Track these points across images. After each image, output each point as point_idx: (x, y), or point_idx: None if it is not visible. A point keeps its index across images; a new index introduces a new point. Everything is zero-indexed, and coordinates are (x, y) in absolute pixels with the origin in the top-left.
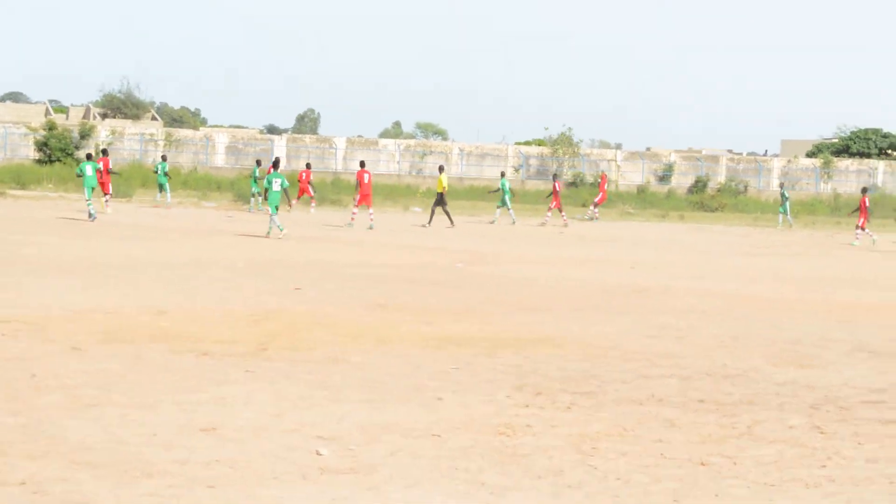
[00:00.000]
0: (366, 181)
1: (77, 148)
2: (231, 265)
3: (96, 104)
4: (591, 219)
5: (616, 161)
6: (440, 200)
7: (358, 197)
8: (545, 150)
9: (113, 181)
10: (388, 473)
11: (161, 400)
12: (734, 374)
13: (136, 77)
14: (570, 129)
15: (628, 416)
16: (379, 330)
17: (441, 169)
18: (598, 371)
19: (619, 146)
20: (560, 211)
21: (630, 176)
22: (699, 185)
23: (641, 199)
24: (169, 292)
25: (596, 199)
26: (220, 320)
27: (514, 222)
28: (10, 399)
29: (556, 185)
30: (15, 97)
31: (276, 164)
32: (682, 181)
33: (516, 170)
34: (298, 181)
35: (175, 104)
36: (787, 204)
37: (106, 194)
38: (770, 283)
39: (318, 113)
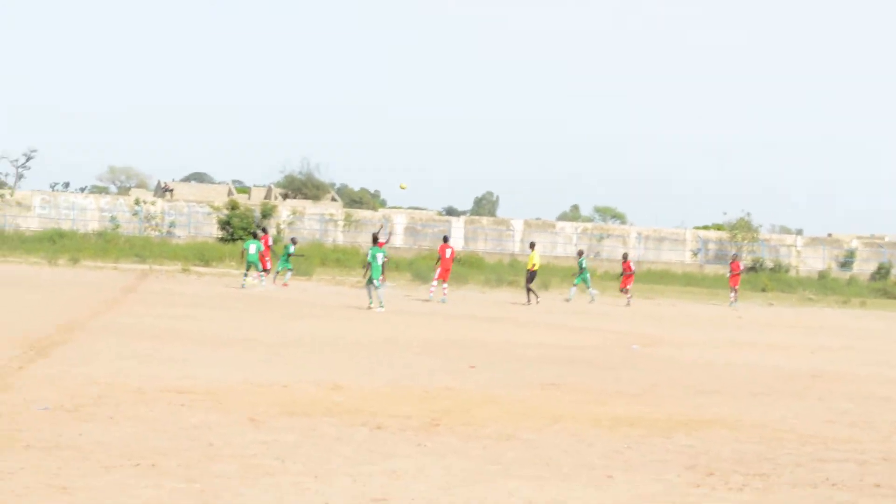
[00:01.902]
0: (447, 256)
1: (259, 227)
2: (407, 344)
3: (277, 185)
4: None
5: (796, 246)
6: (531, 278)
7: (439, 271)
8: (724, 234)
9: (294, 261)
10: None
11: (334, 471)
12: None
13: (316, 158)
14: (749, 213)
15: (802, 498)
16: (551, 409)
17: (532, 246)
18: (773, 454)
19: (799, 231)
20: (625, 291)
21: (811, 262)
22: (882, 272)
23: (822, 285)
24: (345, 369)
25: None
26: (393, 396)
27: (592, 300)
28: (187, 466)
29: (736, 265)
30: (199, 177)
31: (375, 240)
32: (863, 267)
33: (695, 254)
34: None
35: (355, 185)
36: None
37: (265, 270)
38: None
39: (497, 196)
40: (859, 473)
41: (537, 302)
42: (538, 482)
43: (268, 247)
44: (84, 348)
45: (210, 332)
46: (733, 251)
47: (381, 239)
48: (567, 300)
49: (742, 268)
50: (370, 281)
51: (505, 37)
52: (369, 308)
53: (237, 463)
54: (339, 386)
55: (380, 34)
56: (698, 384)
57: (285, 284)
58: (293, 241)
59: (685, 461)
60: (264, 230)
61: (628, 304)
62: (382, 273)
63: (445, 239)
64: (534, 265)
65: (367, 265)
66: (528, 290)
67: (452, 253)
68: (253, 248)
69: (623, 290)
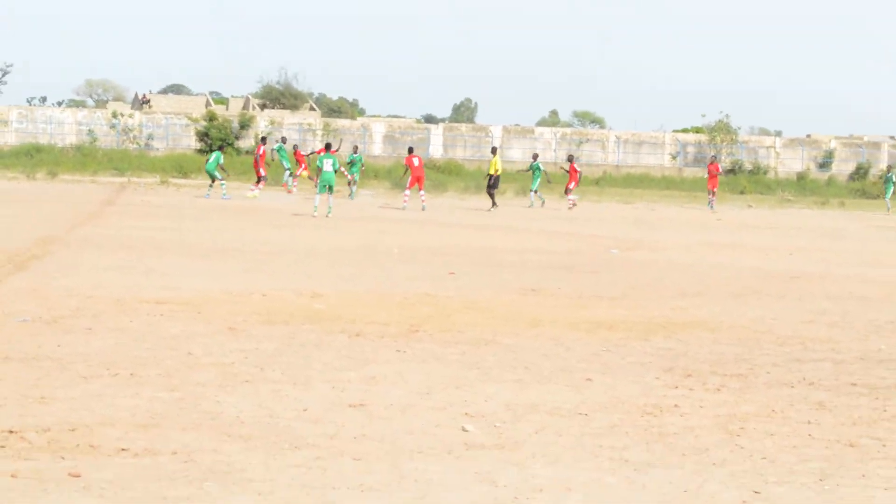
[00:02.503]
0: (416, 164)
1: (237, 138)
2: (386, 251)
3: (255, 95)
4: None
5: (775, 148)
6: (493, 183)
7: (409, 180)
8: (703, 137)
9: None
10: (532, 450)
11: (313, 377)
12: (889, 358)
13: (294, 68)
14: (727, 116)
15: (778, 398)
16: (530, 314)
17: (494, 151)
18: (751, 355)
19: (778, 133)
20: (568, 192)
21: (789, 163)
22: (860, 173)
23: (801, 186)
24: (324, 277)
25: (569, 185)
26: (373, 303)
27: (533, 204)
28: (166, 375)
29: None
30: (176, 89)
31: (328, 147)
32: (842, 168)
33: (674, 157)
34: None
35: (333, 94)
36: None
37: (259, 179)
38: None
39: (475, 102)
40: (836, 372)
41: (495, 208)
42: (518, 386)
43: (262, 156)
44: (63, 261)
45: (189, 243)
46: (712, 154)
47: (333, 147)
48: (529, 207)
49: (720, 170)
50: (324, 188)
51: None
52: (313, 216)
53: (216, 371)
54: (318, 294)
55: None
56: (677, 287)
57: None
58: (355, 150)
59: (663, 363)
60: (263, 140)
61: (571, 207)
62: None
63: (410, 150)
64: (496, 170)
65: (318, 170)
66: (491, 195)
67: (420, 161)
68: (212, 158)
69: (567, 191)
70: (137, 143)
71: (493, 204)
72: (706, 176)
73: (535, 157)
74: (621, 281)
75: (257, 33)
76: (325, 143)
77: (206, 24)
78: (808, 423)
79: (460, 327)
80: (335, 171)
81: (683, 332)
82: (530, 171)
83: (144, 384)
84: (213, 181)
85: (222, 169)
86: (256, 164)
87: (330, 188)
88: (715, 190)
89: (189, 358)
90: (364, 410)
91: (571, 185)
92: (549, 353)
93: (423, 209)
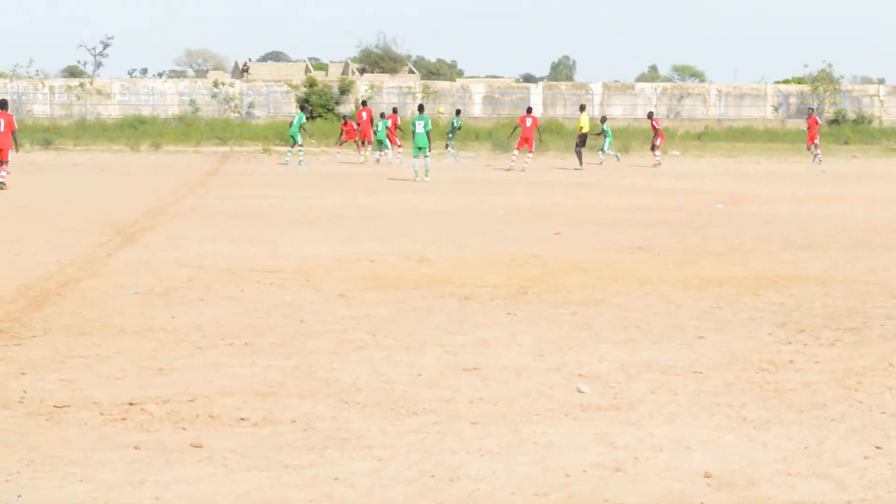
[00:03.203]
0: (528, 125)
1: (337, 103)
2: (491, 213)
3: (354, 60)
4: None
5: (879, 96)
6: (581, 141)
7: (518, 140)
8: (805, 87)
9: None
10: (648, 409)
11: (426, 342)
12: None
13: (392, 31)
14: (830, 65)
15: (895, 351)
16: (639, 272)
17: (582, 108)
18: (864, 307)
19: (882, 81)
20: (654, 150)
21: (894, 111)
22: None
23: None
24: (430, 241)
25: (655, 143)
26: (480, 266)
27: (603, 162)
28: (280, 344)
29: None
30: (276, 56)
31: (420, 108)
32: None
33: (776, 109)
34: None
35: (431, 57)
36: None
37: (368, 142)
38: None
39: (574, 60)
40: None
41: (580, 168)
42: (630, 345)
43: (371, 122)
44: (171, 232)
45: (293, 211)
46: (815, 104)
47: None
48: (601, 163)
49: (819, 122)
50: (418, 151)
51: None
52: (414, 180)
53: (330, 338)
54: (425, 258)
55: None
56: (785, 240)
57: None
58: (458, 112)
59: (776, 319)
60: (364, 103)
61: (656, 164)
62: (429, 141)
63: (529, 110)
64: (582, 128)
65: (411, 133)
66: (579, 153)
67: (534, 122)
68: (295, 120)
69: (653, 148)
70: (239, 112)
71: (580, 163)
72: (806, 130)
73: (604, 119)
74: (728, 236)
75: None
76: (417, 105)
77: None
78: None
79: (569, 288)
80: (426, 133)
81: (794, 286)
82: (602, 134)
83: (259, 353)
84: (294, 145)
85: (304, 131)
86: (360, 129)
87: (423, 150)
88: (816, 142)
89: (301, 326)
90: (478, 374)
91: (658, 142)
92: (659, 312)
93: (523, 170)
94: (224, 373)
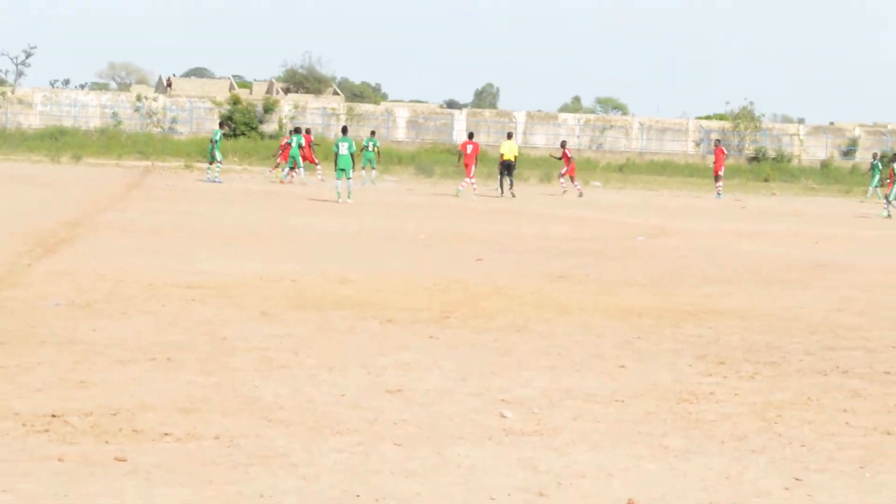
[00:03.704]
0: (468, 151)
1: (261, 122)
2: (412, 237)
3: (279, 79)
4: (564, 192)
5: (799, 135)
6: (506, 169)
7: (463, 167)
8: (726, 124)
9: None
10: (571, 436)
11: (348, 363)
12: None
13: (318, 52)
14: (751, 102)
15: (813, 386)
16: (560, 300)
17: (509, 136)
18: (782, 342)
19: (801, 120)
20: (572, 180)
21: (813, 151)
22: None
23: (825, 174)
24: (353, 262)
25: (562, 171)
26: (403, 289)
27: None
28: (203, 360)
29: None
30: (199, 72)
31: (344, 131)
32: (867, 156)
33: (697, 144)
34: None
35: (356, 79)
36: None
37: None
38: None
39: (497, 87)
40: (869, 361)
41: (502, 194)
42: (552, 372)
43: (310, 144)
44: (92, 244)
45: (215, 228)
46: (735, 141)
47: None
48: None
49: (726, 154)
50: (341, 172)
51: None
52: (336, 202)
53: (252, 356)
54: (347, 279)
55: None
56: (705, 274)
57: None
58: (372, 134)
59: (696, 350)
60: (307, 131)
61: (564, 192)
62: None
63: (471, 136)
64: (503, 155)
65: (334, 155)
66: (501, 181)
67: (474, 148)
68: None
69: (560, 176)
70: (161, 127)
71: (499, 190)
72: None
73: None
74: (649, 268)
75: (280, 16)
76: (341, 126)
77: (229, 7)
78: (844, 412)
79: (491, 313)
80: (351, 155)
81: (714, 319)
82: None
83: (182, 369)
84: (212, 162)
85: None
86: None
87: (346, 172)
88: (720, 174)
89: (224, 343)
90: (402, 396)
91: (564, 171)
92: (581, 340)
93: (457, 194)
94: (146, 387)
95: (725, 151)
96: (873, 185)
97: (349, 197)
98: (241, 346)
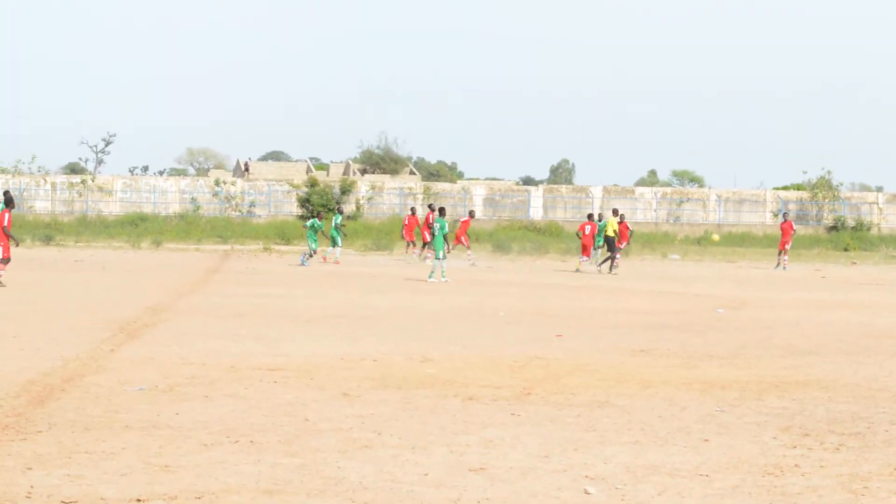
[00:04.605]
0: (587, 232)
1: (338, 203)
2: (492, 314)
3: (355, 160)
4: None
5: (878, 203)
6: (610, 244)
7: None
8: (804, 194)
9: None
10: None
11: (431, 442)
12: None
13: (393, 133)
14: (829, 171)
15: None
16: (642, 374)
17: (614, 212)
18: (867, 413)
19: (880, 188)
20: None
21: (892, 219)
22: None
23: None
24: (433, 340)
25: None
26: (483, 366)
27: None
28: (286, 442)
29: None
30: (277, 156)
31: (441, 212)
32: None
33: (775, 214)
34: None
35: (432, 158)
36: None
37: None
38: None
39: (573, 163)
40: None
41: (602, 270)
42: (635, 447)
43: (427, 224)
44: (174, 329)
45: (295, 310)
46: (814, 211)
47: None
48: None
49: (794, 229)
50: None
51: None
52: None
53: (335, 437)
54: (428, 358)
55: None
56: (787, 345)
57: (337, 262)
58: (339, 211)
59: (780, 423)
60: (412, 210)
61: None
62: (445, 243)
63: (590, 217)
64: (611, 233)
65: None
66: (609, 257)
67: (593, 228)
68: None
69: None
70: (240, 211)
71: (605, 266)
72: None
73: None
74: (730, 340)
75: (356, 97)
76: (434, 206)
77: (305, 90)
78: None
79: (572, 389)
80: (443, 236)
81: (797, 390)
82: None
83: (265, 451)
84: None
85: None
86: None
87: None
88: (787, 248)
89: (306, 424)
90: (485, 474)
91: (623, 244)
92: (663, 414)
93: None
94: (230, 470)
95: (794, 227)
96: None
97: (443, 276)
98: (323, 426)
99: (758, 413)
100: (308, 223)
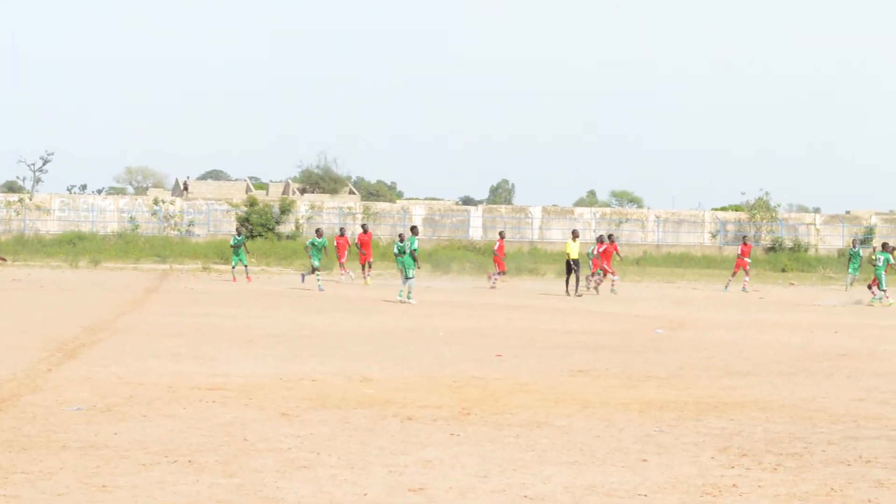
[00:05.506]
0: (600, 251)
1: (277, 223)
2: (432, 334)
3: (295, 180)
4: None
5: (815, 225)
6: (570, 268)
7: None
8: (742, 215)
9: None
10: None
11: (370, 462)
12: None
13: (333, 152)
14: (767, 193)
15: (836, 476)
16: (581, 395)
17: (574, 234)
18: (805, 433)
19: (817, 210)
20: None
21: (830, 240)
22: None
23: (842, 263)
24: (373, 361)
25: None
26: (423, 387)
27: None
28: (224, 462)
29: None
30: (216, 175)
31: (413, 230)
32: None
33: (713, 235)
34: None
35: (371, 178)
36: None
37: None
38: None
39: (513, 183)
40: (892, 450)
41: (574, 293)
42: (574, 468)
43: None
44: (111, 348)
45: (235, 329)
46: (751, 232)
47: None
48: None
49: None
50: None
51: (513, 22)
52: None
53: (274, 457)
54: (368, 378)
55: (386, 24)
56: (725, 366)
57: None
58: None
59: (718, 443)
60: (341, 230)
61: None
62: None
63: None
64: (569, 255)
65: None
66: (567, 280)
67: (612, 248)
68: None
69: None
70: (178, 230)
71: (575, 290)
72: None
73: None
74: (669, 360)
75: (295, 117)
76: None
77: (245, 110)
78: (867, 502)
79: (512, 410)
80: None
81: (735, 411)
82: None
83: (203, 471)
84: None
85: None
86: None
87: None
88: (746, 269)
89: (245, 444)
90: (424, 494)
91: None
92: (602, 435)
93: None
94: (168, 490)
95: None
96: (854, 273)
97: (409, 297)
98: (262, 446)
99: (696, 433)
100: (308, 242)
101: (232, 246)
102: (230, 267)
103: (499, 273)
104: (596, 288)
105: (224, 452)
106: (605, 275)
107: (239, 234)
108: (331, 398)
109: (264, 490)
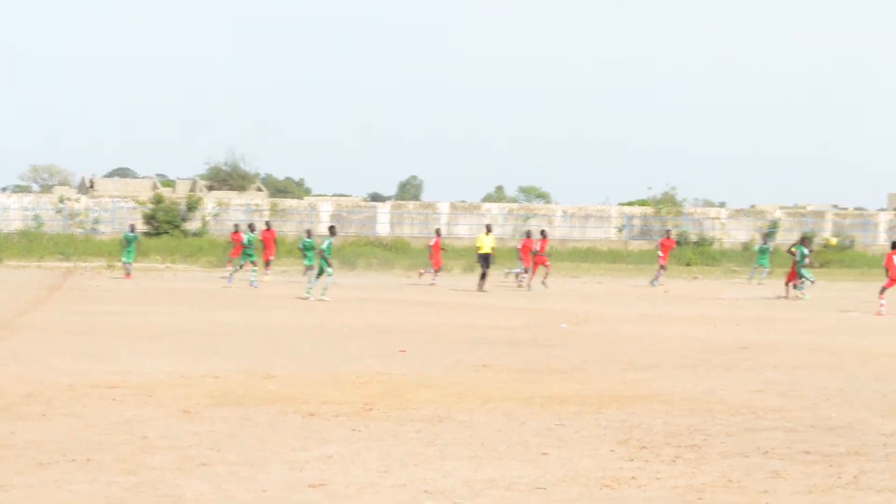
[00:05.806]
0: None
1: (184, 220)
2: (337, 330)
3: (202, 177)
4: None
5: (720, 219)
6: (485, 262)
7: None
8: (648, 210)
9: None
10: None
11: (270, 458)
12: (840, 426)
13: (241, 149)
14: (673, 188)
15: (734, 468)
16: (484, 390)
17: (487, 229)
18: (704, 425)
19: (722, 204)
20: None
21: (734, 234)
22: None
23: (746, 256)
24: (276, 357)
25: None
26: (326, 382)
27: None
28: (122, 460)
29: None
30: (122, 172)
31: (331, 230)
32: (787, 237)
33: (619, 230)
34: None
35: (279, 175)
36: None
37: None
38: (879, 336)
39: (421, 179)
40: (788, 441)
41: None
42: (475, 462)
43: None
44: (11, 347)
45: (138, 327)
46: (657, 226)
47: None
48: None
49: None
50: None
51: (417, 16)
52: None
53: (173, 455)
54: (271, 374)
55: (291, 17)
56: (628, 359)
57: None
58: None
59: (618, 436)
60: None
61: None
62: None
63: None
64: (483, 249)
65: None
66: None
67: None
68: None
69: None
70: (84, 228)
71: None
72: (660, 252)
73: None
74: (572, 355)
75: (203, 114)
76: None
77: (151, 107)
78: (764, 492)
79: (415, 405)
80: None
81: (636, 404)
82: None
83: (101, 469)
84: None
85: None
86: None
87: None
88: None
89: (144, 442)
90: (324, 490)
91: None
92: (503, 429)
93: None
94: (64, 489)
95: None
96: (766, 266)
97: (323, 294)
98: (161, 444)
99: (596, 426)
100: (301, 244)
101: (125, 241)
102: (125, 262)
103: (434, 270)
104: (544, 282)
105: (122, 450)
106: (535, 270)
107: (132, 231)
108: (232, 395)
109: (163, 488)
